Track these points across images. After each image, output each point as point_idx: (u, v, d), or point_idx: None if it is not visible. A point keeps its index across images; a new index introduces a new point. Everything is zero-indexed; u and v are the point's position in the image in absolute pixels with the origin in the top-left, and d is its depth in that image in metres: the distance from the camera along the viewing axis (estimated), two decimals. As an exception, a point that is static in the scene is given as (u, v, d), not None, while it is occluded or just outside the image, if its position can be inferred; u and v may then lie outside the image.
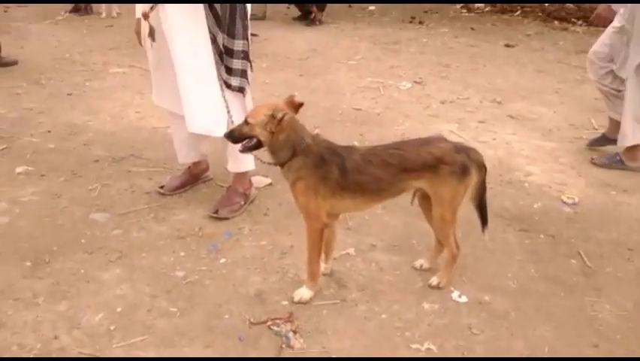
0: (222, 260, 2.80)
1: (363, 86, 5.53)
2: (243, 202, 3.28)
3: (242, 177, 3.33)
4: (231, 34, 2.90)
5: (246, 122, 2.35)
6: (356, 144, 4.02)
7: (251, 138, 2.36)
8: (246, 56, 2.98)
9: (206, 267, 2.74)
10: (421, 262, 2.74)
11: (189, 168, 3.53)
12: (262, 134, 2.32)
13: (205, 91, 2.97)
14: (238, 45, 2.93)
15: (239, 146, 2.45)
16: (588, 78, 5.85)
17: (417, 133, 4.40)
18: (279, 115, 2.24)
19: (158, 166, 3.79)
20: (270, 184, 3.56)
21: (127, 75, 5.73)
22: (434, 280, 2.60)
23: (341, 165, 2.31)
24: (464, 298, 2.54)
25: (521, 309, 2.48)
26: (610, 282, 2.67)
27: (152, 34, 2.98)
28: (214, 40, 2.89)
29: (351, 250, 2.86)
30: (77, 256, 2.80)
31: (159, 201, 3.36)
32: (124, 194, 3.42)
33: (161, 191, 3.43)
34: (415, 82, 5.64)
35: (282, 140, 2.30)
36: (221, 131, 2.99)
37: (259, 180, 3.54)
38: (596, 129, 4.54)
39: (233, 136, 2.42)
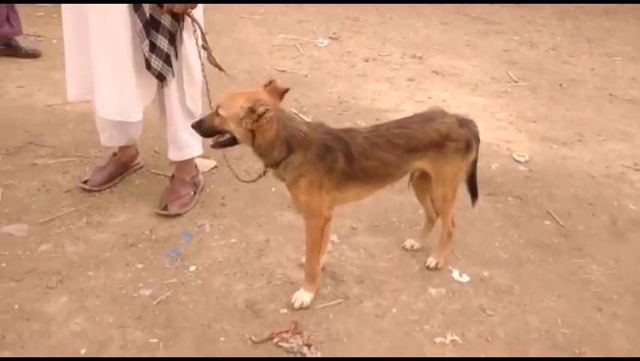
0: (192, 268, 2.38)
1: (279, 44, 5.11)
2: (193, 193, 2.83)
3: (187, 163, 2.85)
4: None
5: (217, 112, 1.93)
6: (294, 111, 3.70)
7: (223, 132, 1.95)
8: (172, 38, 2.45)
9: (176, 279, 2.31)
10: (411, 242, 2.57)
11: (115, 155, 2.95)
12: (237, 131, 1.92)
13: (122, 68, 2.43)
14: (166, 19, 2.40)
15: (209, 140, 2.03)
16: (491, 29, 6.09)
17: (353, 95, 4.17)
18: (260, 110, 1.85)
19: (70, 155, 3.14)
20: (216, 167, 3.12)
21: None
22: (432, 262, 2.45)
23: (347, 151, 1.99)
24: (466, 277, 2.43)
25: (521, 281, 2.44)
26: (587, 241, 2.74)
27: None
28: (138, 7, 2.34)
29: (334, 237, 2.60)
30: (1, 286, 2.20)
31: (87, 200, 2.77)
32: (37, 195, 2.77)
33: (86, 187, 2.83)
34: (331, 38, 5.34)
35: (271, 138, 1.92)
36: (136, 115, 2.55)
37: (203, 164, 3.07)
38: (516, 82, 4.67)
39: (202, 128, 2.00)
